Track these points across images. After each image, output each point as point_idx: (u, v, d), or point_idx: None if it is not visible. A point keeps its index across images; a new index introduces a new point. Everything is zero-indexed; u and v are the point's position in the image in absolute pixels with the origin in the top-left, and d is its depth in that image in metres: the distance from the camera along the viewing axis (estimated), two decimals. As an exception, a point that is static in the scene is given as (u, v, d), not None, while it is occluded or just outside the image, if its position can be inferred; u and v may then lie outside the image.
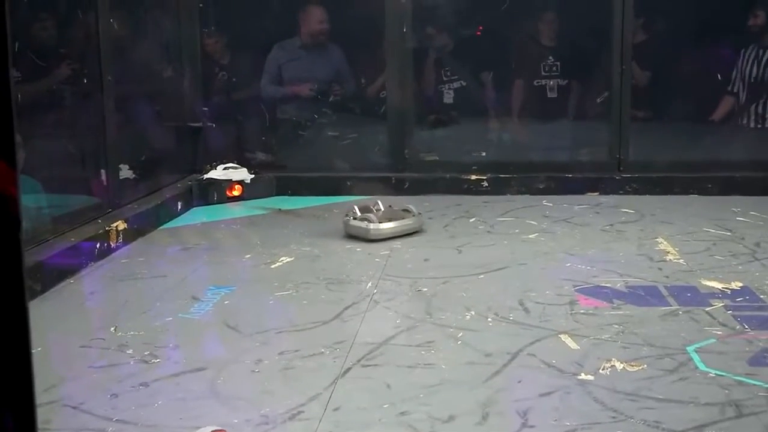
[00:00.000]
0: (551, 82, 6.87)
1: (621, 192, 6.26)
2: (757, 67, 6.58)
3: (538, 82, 6.90)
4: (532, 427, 2.52)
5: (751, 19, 6.60)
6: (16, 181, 0.90)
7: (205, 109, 6.58)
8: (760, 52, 6.59)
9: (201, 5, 6.54)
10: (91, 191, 5.13)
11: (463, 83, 6.92)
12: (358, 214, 4.99)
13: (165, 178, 6.01)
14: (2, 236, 0.90)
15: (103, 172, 5.12)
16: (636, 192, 6.26)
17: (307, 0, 6.76)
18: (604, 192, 6.25)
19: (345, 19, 6.79)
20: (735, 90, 6.72)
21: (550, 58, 6.87)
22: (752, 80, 6.61)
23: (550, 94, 6.87)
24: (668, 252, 4.58)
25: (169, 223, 5.53)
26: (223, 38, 6.76)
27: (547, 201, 6.03)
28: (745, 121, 6.73)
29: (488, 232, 5.19)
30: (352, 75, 6.87)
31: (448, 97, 6.94)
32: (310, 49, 6.79)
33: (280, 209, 5.97)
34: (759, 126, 6.67)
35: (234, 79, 6.82)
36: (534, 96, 6.93)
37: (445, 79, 6.91)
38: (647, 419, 2.55)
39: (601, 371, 2.93)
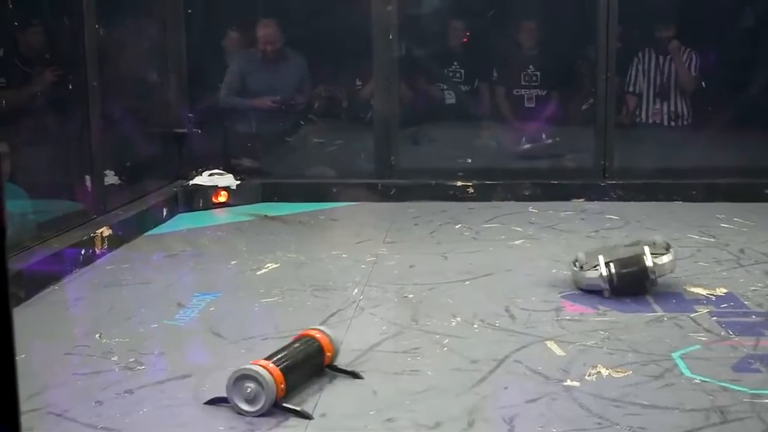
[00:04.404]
0: (530, 92, 6.93)
1: (606, 199, 6.28)
2: (660, 72, 6.94)
3: (517, 92, 6.96)
4: (518, 433, 2.52)
5: (664, 31, 6.89)
6: (0, 189, 0.89)
7: (190, 115, 6.57)
8: (660, 58, 6.96)
9: (189, 11, 6.53)
10: (76, 197, 5.11)
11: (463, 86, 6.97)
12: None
13: (150, 184, 5.99)
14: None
15: (87, 178, 5.10)
16: (621, 199, 6.27)
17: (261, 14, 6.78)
18: (590, 199, 6.27)
19: (332, 27, 6.79)
20: (637, 90, 7.02)
21: (531, 67, 6.92)
22: (658, 82, 6.95)
23: (527, 104, 6.94)
24: (653, 258, 4.59)
25: (154, 229, 5.51)
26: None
27: (532, 207, 6.04)
28: (652, 121, 7.04)
29: (474, 238, 5.19)
30: (311, 84, 6.88)
31: (450, 98, 6.99)
32: (271, 61, 6.79)
33: (265, 215, 5.96)
34: (673, 124, 7.01)
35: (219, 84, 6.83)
36: (517, 104, 6.97)
37: (453, 78, 6.95)
38: (633, 425, 2.55)
39: (587, 377, 2.93)
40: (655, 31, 6.95)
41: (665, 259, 3.84)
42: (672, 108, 6.99)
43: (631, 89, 7.03)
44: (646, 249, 3.82)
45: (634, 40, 6.95)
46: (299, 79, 6.83)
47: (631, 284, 3.82)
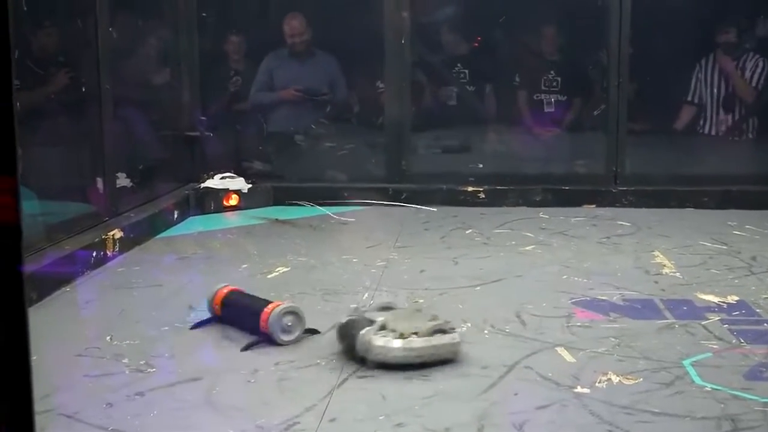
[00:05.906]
0: (550, 97, 6.91)
1: (617, 205, 6.26)
2: (723, 79, 6.75)
3: (537, 96, 6.94)
4: (528, 439, 2.52)
5: (722, 35, 6.70)
6: (16, 190, 0.90)
7: (203, 118, 6.59)
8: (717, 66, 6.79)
9: (204, 15, 6.55)
10: (88, 200, 5.12)
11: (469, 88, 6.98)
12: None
13: (162, 187, 6.01)
14: (2, 246, 0.89)
15: (99, 180, 5.12)
16: (632, 205, 6.26)
17: (289, 8, 6.81)
18: (601, 205, 6.26)
19: (345, 31, 6.80)
20: (695, 100, 6.86)
21: (552, 72, 6.90)
22: (716, 91, 6.79)
23: (547, 109, 6.92)
24: (664, 265, 4.58)
25: (165, 232, 5.52)
26: (244, 43, 6.82)
27: (543, 213, 6.03)
28: (707, 131, 6.88)
29: (485, 243, 5.19)
30: (345, 84, 6.91)
31: (452, 100, 7.00)
32: (298, 57, 6.83)
33: (276, 219, 5.97)
34: (724, 136, 6.87)
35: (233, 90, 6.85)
36: (533, 108, 6.97)
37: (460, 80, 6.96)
38: (643, 433, 2.55)
39: (597, 384, 2.92)
40: (715, 35, 6.74)
41: (395, 343, 2.97)
42: (731, 119, 6.78)
43: (689, 99, 6.85)
44: (381, 320, 3.03)
45: (696, 46, 6.83)
46: (329, 76, 6.87)
47: (345, 339, 3.16)
